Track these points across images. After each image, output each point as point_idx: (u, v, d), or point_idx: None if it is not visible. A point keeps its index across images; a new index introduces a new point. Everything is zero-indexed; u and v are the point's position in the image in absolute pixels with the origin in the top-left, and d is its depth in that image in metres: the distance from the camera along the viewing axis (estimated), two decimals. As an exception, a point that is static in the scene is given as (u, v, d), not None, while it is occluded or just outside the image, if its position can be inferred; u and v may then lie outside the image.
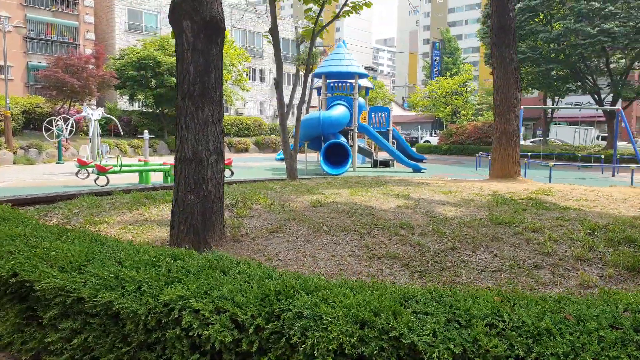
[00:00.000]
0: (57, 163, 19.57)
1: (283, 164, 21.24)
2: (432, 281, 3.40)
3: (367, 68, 38.35)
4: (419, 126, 47.01)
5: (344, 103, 17.46)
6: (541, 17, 25.72)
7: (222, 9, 4.55)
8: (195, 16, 4.30)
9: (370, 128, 18.18)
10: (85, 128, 25.75)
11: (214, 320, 2.24)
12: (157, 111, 30.00)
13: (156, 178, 12.93)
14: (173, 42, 26.50)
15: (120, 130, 19.26)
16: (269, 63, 46.84)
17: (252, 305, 2.25)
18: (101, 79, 25.17)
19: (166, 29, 37.95)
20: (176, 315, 2.31)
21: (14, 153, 19.36)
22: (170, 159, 18.12)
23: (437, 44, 54.35)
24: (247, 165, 19.83)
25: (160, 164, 12.79)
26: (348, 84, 18.44)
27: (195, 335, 2.27)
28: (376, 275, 3.52)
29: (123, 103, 33.09)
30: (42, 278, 2.69)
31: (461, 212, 4.99)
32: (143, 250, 3.02)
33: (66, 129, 18.61)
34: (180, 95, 4.37)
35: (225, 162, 13.54)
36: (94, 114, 15.94)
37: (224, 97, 32.19)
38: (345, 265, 3.75)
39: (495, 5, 8.95)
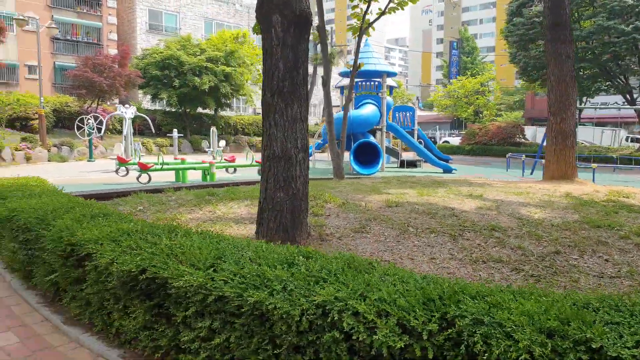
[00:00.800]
0: (88, 161, 19.71)
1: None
2: (550, 286, 3.28)
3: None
4: (437, 126, 46.67)
5: (373, 102, 17.32)
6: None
7: (309, 3, 4.47)
8: (285, 10, 4.22)
9: (399, 127, 18.04)
10: (111, 126, 25.97)
11: (380, 325, 2.15)
12: (180, 110, 30.11)
13: (192, 176, 12.91)
14: (195, 42, 26.47)
15: (153, 128, 19.34)
16: (287, 62, 46.74)
17: (417, 310, 2.16)
18: (127, 78, 25.33)
19: (185, 29, 38.11)
20: (335, 318, 2.23)
21: (48, 150, 19.56)
22: (198, 158, 18.14)
23: (454, 43, 53.87)
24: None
25: (199, 162, 12.78)
26: (376, 83, 18.29)
27: (357, 339, 2.18)
28: (488, 280, 3.41)
29: (146, 102, 33.30)
30: (177, 275, 2.62)
31: (547, 214, 4.86)
32: (269, 248, 2.95)
33: (98, 127, 18.72)
34: (269, 92, 4.29)
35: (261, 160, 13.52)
36: (127, 112, 16.00)
37: (245, 97, 32.38)
38: (451, 269, 3.64)
39: (549, 0, 8.77)
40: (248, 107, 40.56)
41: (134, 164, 11.96)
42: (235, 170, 14.15)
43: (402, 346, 2.08)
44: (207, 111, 32.06)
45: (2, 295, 4.22)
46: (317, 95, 44.99)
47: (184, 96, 27.93)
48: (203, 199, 6.35)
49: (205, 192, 6.84)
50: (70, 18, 33.82)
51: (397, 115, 20.03)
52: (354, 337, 2.19)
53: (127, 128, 15.82)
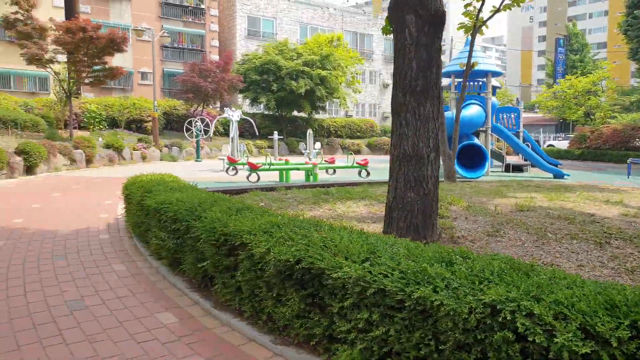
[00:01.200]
0: (195, 160, 21.11)
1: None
2: None
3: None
4: (541, 129, 43.83)
5: (478, 103, 16.70)
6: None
7: (443, 1, 4.42)
8: (420, 10, 4.21)
9: (504, 129, 17.22)
10: (214, 129, 27.66)
11: (559, 328, 2.06)
12: (277, 113, 31.24)
13: (294, 177, 13.29)
14: (291, 46, 27.39)
15: (256, 131, 20.29)
16: (379, 65, 46.69)
17: (601, 315, 2.05)
18: (230, 83, 26.77)
19: (281, 34, 39.40)
20: (508, 318, 2.18)
21: (160, 150, 21.25)
22: (295, 159, 18.65)
23: (561, 40, 50.26)
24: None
25: (302, 163, 13.16)
26: (480, 83, 17.61)
27: (532, 341, 2.12)
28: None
29: (245, 106, 34.96)
30: (334, 266, 2.72)
31: None
32: (418, 246, 2.96)
33: (205, 129, 19.98)
34: (401, 91, 4.31)
35: (362, 162, 13.59)
36: (234, 115, 16.90)
37: (339, 99, 32.78)
38: (604, 277, 3.40)
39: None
40: (340, 109, 41.07)
41: (243, 164, 12.59)
42: (334, 171, 14.38)
43: (586, 352, 1.99)
44: (301, 114, 32.95)
45: (153, 279, 4.65)
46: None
47: (281, 100, 28.93)
48: (320, 198, 6.53)
49: (320, 192, 7.02)
50: (178, 27, 36.38)
51: (500, 116, 19.13)
52: (529, 339, 2.12)
53: (234, 130, 16.71)
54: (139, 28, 25.59)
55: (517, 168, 18.03)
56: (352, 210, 5.64)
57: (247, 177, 11.72)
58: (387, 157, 21.81)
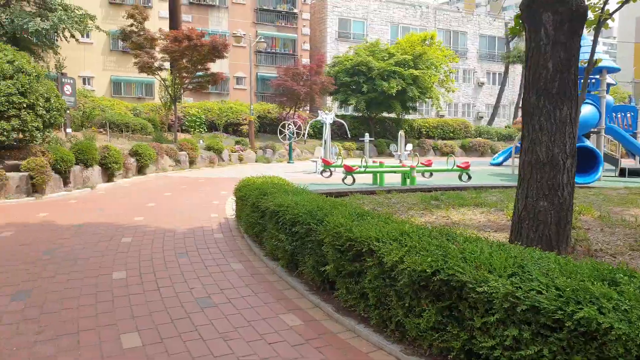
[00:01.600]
0: (288, 162, 21.65)
1: (504, 169, 19.90)
2: None
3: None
4: (658, 129, 39.45)
5: (590, 101, 15.41)
6: None
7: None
8: (559, 7, 3.92)
9: (620, 130, 15.74)
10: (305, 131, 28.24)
11: None
12: (366, 115, 31.17)
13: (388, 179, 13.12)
14: (382, 47, 26.98)
15: (348, 133, 20.41)
16: (473, 63, 44.91)
17: None
18: (322, 85, 27.12)
19: (372, 35, 39.22)
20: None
21: (255, 153, 22.09)
22: (387, 161, 18.41)
23: (683, 31, 45.02)
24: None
25: (398, 165, 12.95)
26: (593, 80, 16.24)
27: None
28: None
29: (334, 108, 35.29)
30: (478, 280, 2.59)
31: None
32: (569, 261, 2.74)
33: (297, 132, 20.44)
34: (535, 94, 4.04)
35: (462, 165, 13.08)
36: (327, 118, 17.10)
37: (431, 99, 31.97)
38: None
39: None
40: (431, 110, 40.07)
41: (338, 166, 12.66)
42: (431, 174, 13.99)
43: None
44: (391, 115, 32.60)
45: (270, 279, 4.77)
46: (506, 95, 42.28)
47: (371, 101, 28.82)
48: (429, 203, 6.35)
49: (427, 196, 6.83)
50: (271, 32, 37.53)
51: (614, 116, 17.53)
52: None
53: (327, 133, 16.90)
54: (237, 34, 26.77)
55: (635, 173, 16.35)
56: (468, 218, 5.41)
57: (343, 180, 11.74)
58: (484, 160, 20.94)
